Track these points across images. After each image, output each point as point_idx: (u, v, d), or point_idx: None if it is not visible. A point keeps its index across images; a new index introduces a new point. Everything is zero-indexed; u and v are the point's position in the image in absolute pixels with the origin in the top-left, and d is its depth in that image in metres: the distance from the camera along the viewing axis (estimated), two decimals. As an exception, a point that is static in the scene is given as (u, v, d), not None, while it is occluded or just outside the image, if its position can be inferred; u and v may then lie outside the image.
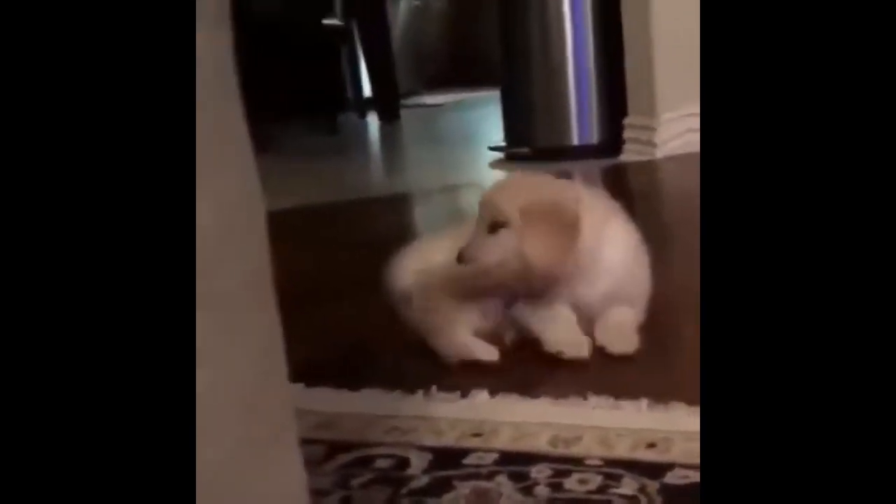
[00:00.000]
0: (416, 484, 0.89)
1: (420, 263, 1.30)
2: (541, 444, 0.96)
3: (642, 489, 0.84)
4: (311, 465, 0.93)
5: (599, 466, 0.89)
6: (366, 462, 0.95)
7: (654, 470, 0.87)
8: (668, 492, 0.83)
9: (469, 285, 1.22)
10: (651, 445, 0.92)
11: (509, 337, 1.24)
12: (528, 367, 1.19)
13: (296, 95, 4.23)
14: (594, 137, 3.01)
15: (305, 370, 1.15)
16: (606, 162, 2.87)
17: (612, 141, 2.95)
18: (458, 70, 5.52)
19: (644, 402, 1.02)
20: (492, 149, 3.24)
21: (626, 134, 2.91)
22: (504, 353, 1.21)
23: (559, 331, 1.20)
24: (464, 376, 1.16)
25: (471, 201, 2.63)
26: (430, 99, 5.27)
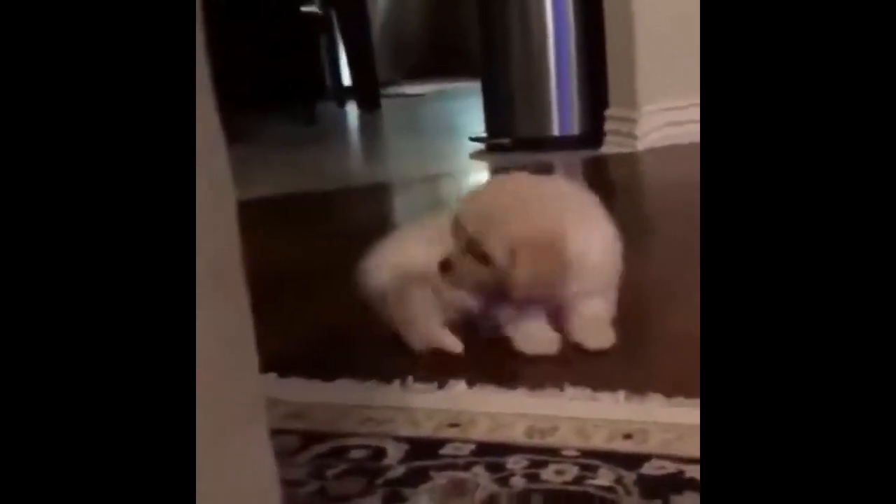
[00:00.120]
0: (391, 474, 0.89)
1: (395, 261, 1.28)
2: (517, 434, 0.95)
3: (619, 480, 0.84)
4: (285, 455, 0.92)
5: (576, 457, 0.89)
6: (340, 452, 0.94)
7: (631, 461, 0.87)
8: (645, 483, 0.83)
9: (446, 294, 1.21)
10: (628, 436, 0.92)
11: (485, 330, 1.23)
12: (505, 358, 1.18)
13: (273, 84, 4.19)
14: (575, 128, 3.00)
15: (279, 360, 1.13)
16: (587, 153, 2.87)
17: (593, 132, 2.95)
18: (439, 60, 5.50)
19: (621, 394, 1.01)
20: (472, 139, 3.23)
21: (607, 126, 2.91)
22: (478, 344, 1.21)
23: (528, 328, 1.19)
24: (440, 367, 1.15)
25: (450, 191, 2.63)
26: (410, 89, 5.25)
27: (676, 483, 0.83)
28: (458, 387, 1.08)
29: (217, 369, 0.49)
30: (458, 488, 0.85)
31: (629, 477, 0.84)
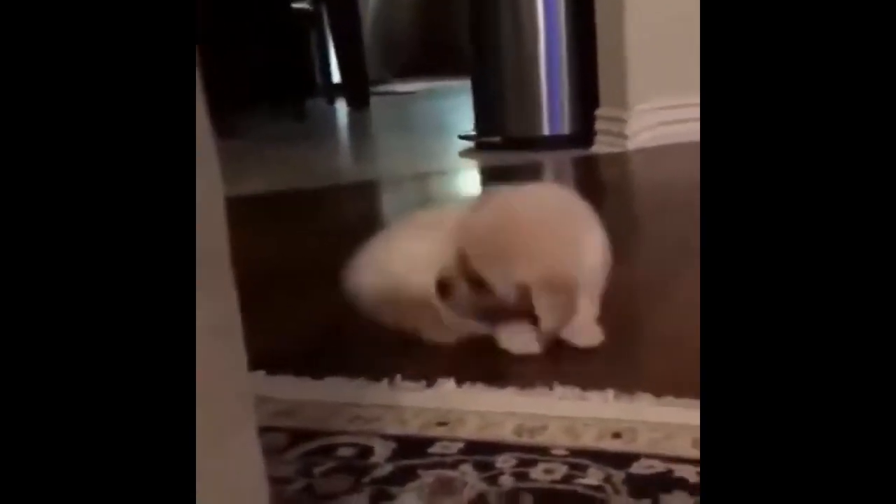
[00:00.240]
0: (379, 472, 0.88)
1: (388, 266, 1.27)
2: (506, 433, 0.95)
3: (607, 479, 0.84)
4: (273, 453, 0.92)
5: (565, 456, 0.89)
6: (328, 450, 0.94)
7: (620, 460, 0.87)
8: (634, 482, 0.83)
9: (444, 315, 1.20)
10: (617, 435, 0.92)
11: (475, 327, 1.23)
12: (494, 356, 1.18)
13: (263, 80, 4.18)
14: (565, 128, 3.00)
15: (268, 357, 1.13)
16: (577, 153, 2.87)
17: (583, 132, 2.95)
18: (429, 58, 5.50)
19: (610, 393, 1.01)
20: (462, 137, 3.22)
21: (598, 125, 2.91)
22: (467, 343, 1.20)
23: (513, 327, 1.18)
24: (430, 365, 1.15)
25: (440, 189, 2.62)
26: (400, 87, 5.24)
27: (665, 482, 0.82)
28: (447, 385, 1.08)
29: (205, 367, 0.49)
30: (446, 486, 0.85)
31: (618, 476, 0.84)
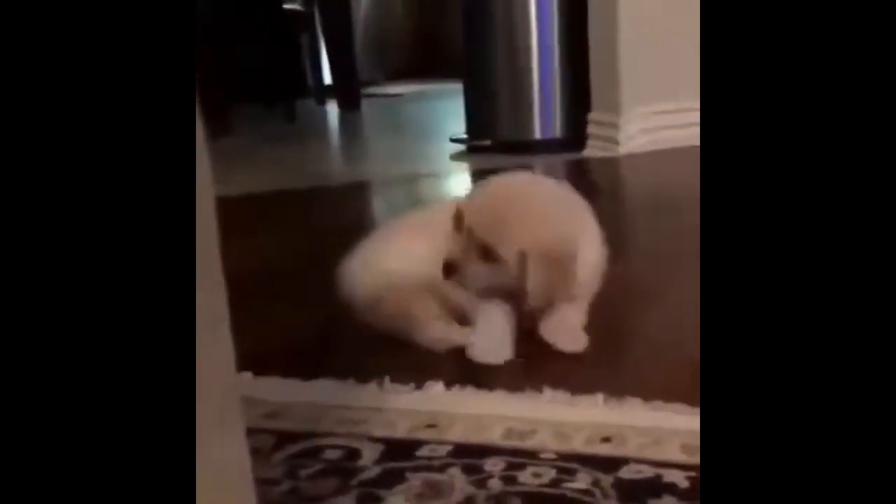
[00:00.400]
0: (366, 475, 0.87)
1: (385, 264, 1.26)
2: (495, 436, 0.94)
3: (596, 483, 0.83)
4: (260, 454, 0.91)
5: (554, 460, 0.88)
6: (315, 452, 0.93)
7: (609, 464, 0.86)
8: (622, 486, 0.83)
9: (451, 295, 1.20)
10: (606, 440, 0.92)
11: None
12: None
13: (255, 80, 4.17)
14: (557, 132, 3.00)
15: (256, 359, 1.12)
16: (569, 157, 2.87)
17: (575, 136, 2.95)
18: (421, 60, 5.49)
19: (600, 397, 1.01)
20: (453, 140, 3.22)
21: (590, 129, 2.91)
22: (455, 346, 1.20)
23: (486, 336, 1.17)
24: (419, 367, 1.14)
25: (430, 192, 2.62)
26: (391, 89, 5.23)
27: (654, 487, 0.82)
28: (436, 388, 1.07)
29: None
30: (433, 490, 0.84)
31: (607, 480, 0.84)
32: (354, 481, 0.86)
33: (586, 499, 0.81)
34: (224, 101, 3.58)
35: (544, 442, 0.92)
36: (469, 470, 0.87)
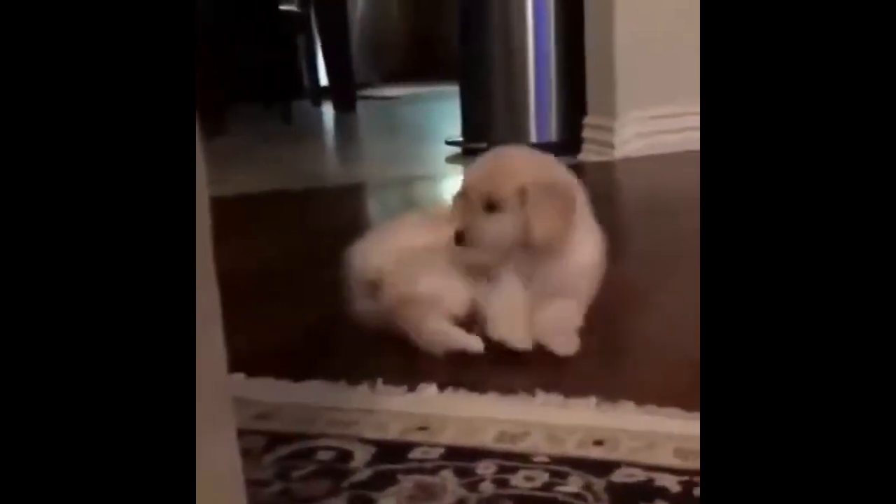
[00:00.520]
0: (357, 477, 0.87)
1: (391, 246, 1.27)
2: (487, 439, 0.94)
3: (588, 487, 0.83)
4: (251, 455, 0.91)
5: (546, 463, 0.88)
6: (307, 454, 0.93)
7: (601, 468, 0.86)
8: (614, 490, 0.82)
9: (462, 263, 1.22)
10: (598, 443, 0.91)
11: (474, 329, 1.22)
12: (476, 362, 1.17)
13: (251, 81, 4.16)
14: (553, 135, 3.00)
15: (248, 360, 1.12)
16: (564, 160, 2.86)
17: (570, 140, 2.95)
18: (417, 62, 5.49)
19: (593, 400, 1.01)
20: (449, 143, 3.22)
21: (585, 133, 2.91)
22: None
23: (506, 320, 1.18)
24: (411, 370, 1.14)
25: (426, 194, 2.61)
26: (387, 90, 5.23)
27: (646, 491, 0.82)
28: (429, 390, 1.07)
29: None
30: (425, 492, 0.84)
31: (599, 484, 0.83)
32: (346, 483, 0.86)
33: (578, 502, 0.81)
34: (220, 102, 3.57)
35: (537, 445, 0.92)
36: (461, 472, 0.87)
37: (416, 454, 0.91)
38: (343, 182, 2.75)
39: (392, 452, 0.92)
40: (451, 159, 3.09)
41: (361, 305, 1.26)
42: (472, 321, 1.22)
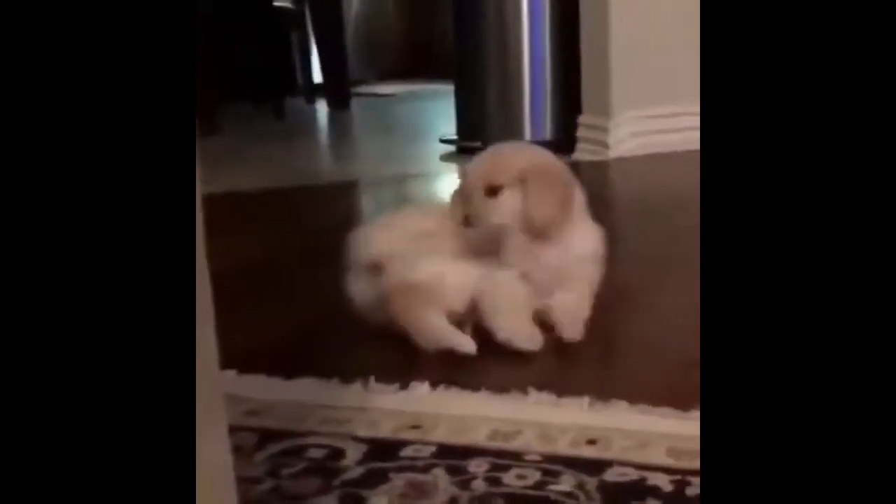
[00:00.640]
0: (349, 475, 0.87)
1: (394, 232, 1.27)
2: (480, 438, 0.94)
3: (580, 486, 0.83)
4: (242, 452, 0.90)
5: (538, 462, 0.88)
6: (298, 451, 0.92)
7: (594, 467, 0.86)
8: (607, 489, 0.82)
9: (466, 245, 1.23)
10: (591, 442, 0.91)
11: (468, 327, 1.22)
12: (469, 360, 1.17)
13: (244, 78, 4.14)
14: (547, 134, 3.00)
15: (240, 357, 1.11)
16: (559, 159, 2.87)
17: (565, 139, 2.95)
18: (412, 61, 5.48)
19: (586, 399, 1.00)
20: (443, 141, 3.21)
21: (580, 133, 2.91)
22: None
23: (512, 320, 1.18)
24: (404, 368, 1.13)
25: (419, 192, 2.61)
26: (381, 88, 5.22)
27: (638, 490, 0.82)
28: (421, 388, 1.07)
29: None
30: (417, 490, 0.83)
31: (591, 483, 0.83)
32: (337, 481, 0.86)
33: (570, 501, 0.81)
34: (213, 99, 3.56)
35: (529, 443, 0.92)
36: (453, 471, 0.86)
37: (407, 452, 0.91)
38: (336, 180, 2.75)
39: (384, 450, 0.91)
40: (446, 157, 3.08)
41: (359, 292, 1.25)
42: (470, 315, 1.21)
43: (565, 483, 0.83)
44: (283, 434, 0.96)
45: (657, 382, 1.05)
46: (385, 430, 0.96)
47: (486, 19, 2.99)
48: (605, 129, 2.81)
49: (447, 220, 1.25)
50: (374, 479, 0.86)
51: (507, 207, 1.21)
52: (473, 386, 1.06)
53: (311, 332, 1.31)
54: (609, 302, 1.34)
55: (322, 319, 1.33)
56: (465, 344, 1.17)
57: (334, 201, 2.45)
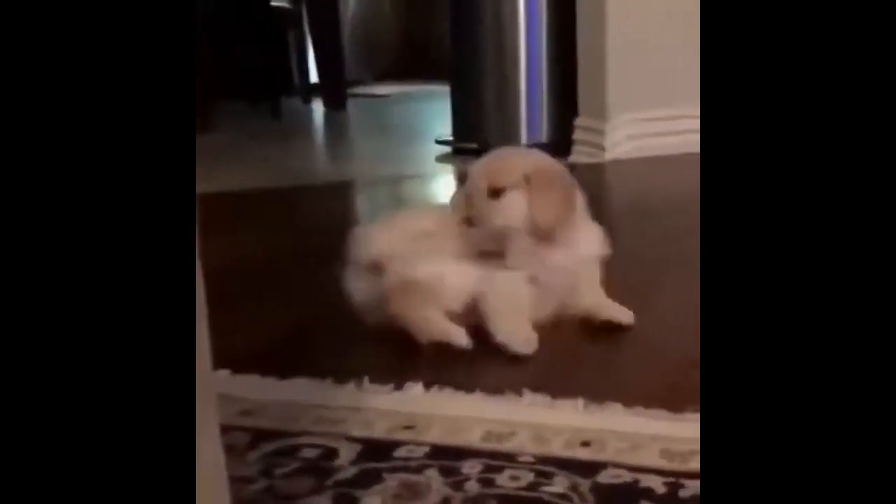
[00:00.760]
0: (342, 475, 0.87)
1: (395, 231, 1.27)
2: (473, 439, 0.93)
3: (574, 487, 0.83)
4: (235, 452, 0.90)
5: (532, 463, 0.88)
6: (292, 451, 0.92)
7: (587, 468, 0.86)
8: (600, 491, 0.82)
9: (469, 245, 1.23)
10: (585, 444, 0.91)
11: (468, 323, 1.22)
12: (464, 361, 1.16)
13: (241, 77, 4.14)
14: (544, 136, 3.00)
15: (234, 356, 1.11)
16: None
17: (561, 141, 2.95)
18: (409, 61, 5.48)
19: (580, 401, 1.00)
20: (439, 142, 3.21)
21: (576, 135, 2.91)
22: (436, 346, 1.19)
23: (511, 322, 1.18)
24: (398, 368, 1.13)
25: (415, 192, 2.61)
26: (378, 89, 5.22)
27: (632, 492, 0.82)
28: (415, 389, 1.06)
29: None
30: (409, 490, 0.83)
31: (585, 484, 0.83)
32: (330, 481, 0.86)
33: (563, 502, 0.80)
34: (208, 98, 3.55)
35: (523, 445, 0.92)
36: (446, 472, 0.86)
37: (401, 453, 0.91)
38: (332, 180, 2.74)
39: (377, 451, 0.91)
40: (441, 158, 3.08)
41: (358, 290, 1.25)
42: (468, 316, 1.21)
43: (559, 485, 0.83)
44: (277, 434, 0.96)
45: (654, 384, 1.05)
46: (379, 431, 0.96)
47: (483, 21, 2.99)
48: (601, 132, 2.81)
49: (447, 220, 1.25)
50: (368, 479, 0.86)
51: (509, 210, 1.22)
52: (468, 387, 1.06)
53: (306, 332, 1.31)
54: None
55: (317, 319, 1.32)
56: (459, 336, 1.18)
57: (330, 201, 2.45)
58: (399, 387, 1.07)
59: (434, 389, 1.06)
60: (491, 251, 1.23)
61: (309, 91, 4.68)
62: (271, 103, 4.08)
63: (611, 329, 1.24)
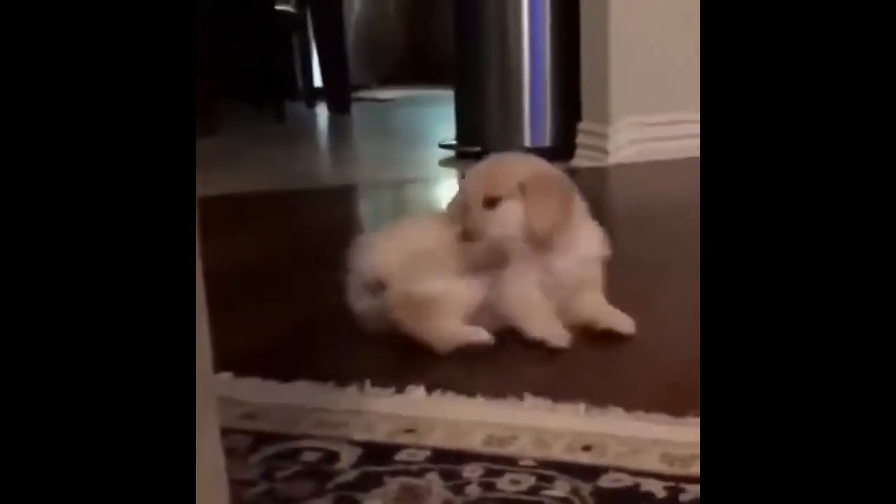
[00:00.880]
0: (343, 478, 0.87)
1: (397, 245, 1.27)
2: (474, 442, 0.93)
3: (575, 491, 0.83)
4: (236, 455, 0.90)
5: (533, 467, 0.88)
6: (292, 454, 0.92)
7: (588, 473, 0.86)
8: (601, 495, 0.82)
9: (468, 261, 1.23)
10: (586, 448, 0.91)
11: (486, 325, 1.22)
12: (465, 364, 1.17)
13: (245, 80, 4.15)
14: (547, 140, 3.00)
15: (236, 359, 1.11)
16: (558, 166, 2.87)
17: (564, 145, 2.95)
18: (412, 65, 5.49)
19: (581, 405, 1.00)
20: (443, 146, 3.22)
21: (579, 139, 2.91)
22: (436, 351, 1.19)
23: (540, 319, 1.20)
24: (400, 372, 1.13)
25: (418, 196, 2.61)
26: (382, 93, 5.23)
27: (633, 496, 0.82)
28: (417, 392, 1.07)
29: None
30: (410, 494, 0.83)
31: (585, 488, 0.83)
32: (331, 484, 0.86)
33: (564, 507, 0.80)
34: (210, 100, 3.56)
35: (524, 449, 0.92)
36: (447, 475, 0.86)
37: (402, 456, 0.91)
38: (335, 184, 2.75)
39: (378, 454, 0.91)
40: (445, 162, 3.09)
41: (361, 303, 1.25)
42: (474, 323, 1.22)
43: (560, 489, 0.83)
44: (278, 437, 0.96)
45: (655, 388, 1.05)
46: (380, 434, 0.96)
47: (487, 25, 3.00)
48: (604, 136, 2.81)
49: (446, 236, 1.23)
50: (369, 482, 0.86)
51: (506, 219, 1.21)
52: (469, 390, 1.06)
53: (308, 335, 1.31)
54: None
55: (318, 322, 1.32)
56: (479, 334, 1.19)
57: (333, 205, 2.45)
58: (400, 390, 1.07)
59: (436, 393, 1.06)
60: (491, 263, 1.22)
61: (313, 95, 4.68)
62: (275, 107, 4.08)
63: (611, 336, 1.24)
